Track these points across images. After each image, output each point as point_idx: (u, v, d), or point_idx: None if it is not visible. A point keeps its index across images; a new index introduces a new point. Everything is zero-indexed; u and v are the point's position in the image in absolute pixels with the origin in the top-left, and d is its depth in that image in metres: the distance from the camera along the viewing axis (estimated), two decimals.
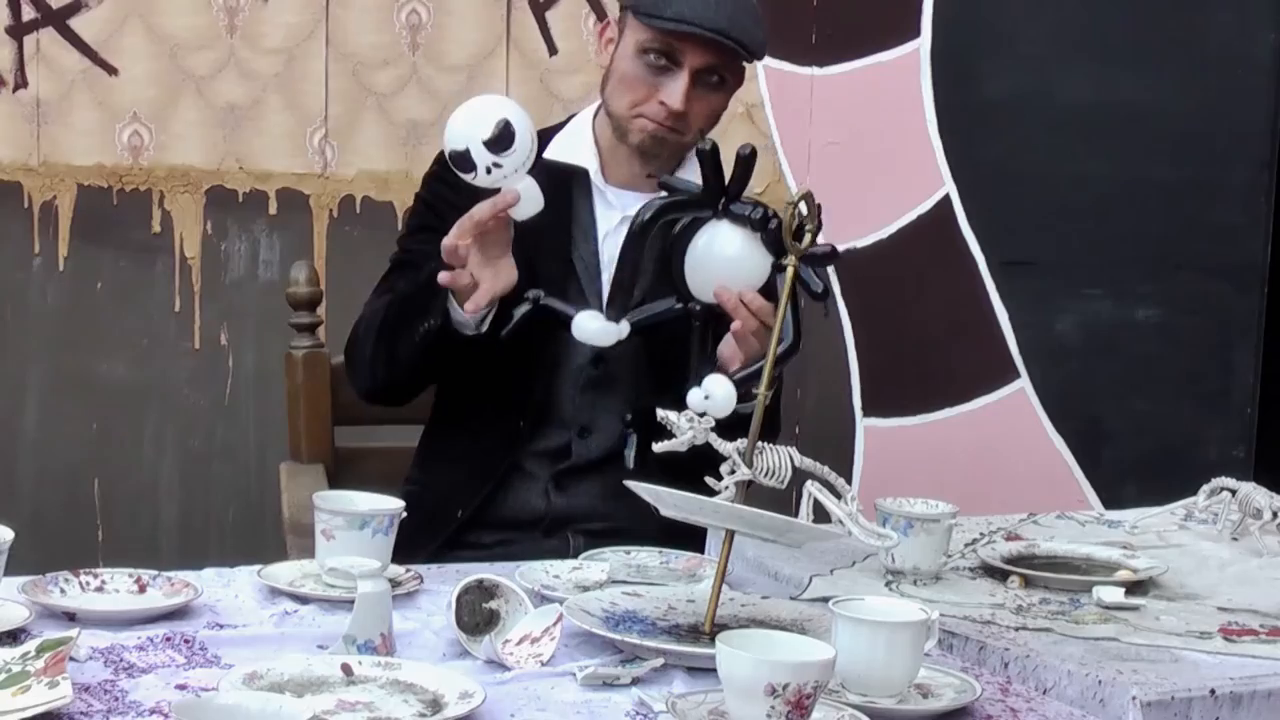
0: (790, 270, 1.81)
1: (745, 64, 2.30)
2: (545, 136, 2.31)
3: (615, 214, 2.33)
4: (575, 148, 2.35)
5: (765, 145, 3.53)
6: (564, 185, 2.31)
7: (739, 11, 2.23)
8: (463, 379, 2.33)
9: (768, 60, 3.49)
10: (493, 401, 2.32)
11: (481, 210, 2.04)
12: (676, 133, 2.27)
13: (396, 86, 3.38)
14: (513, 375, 2.27)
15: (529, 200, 2.04)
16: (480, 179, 2.02)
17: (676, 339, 2.11)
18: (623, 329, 2.06)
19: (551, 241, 2.28)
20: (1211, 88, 3.77)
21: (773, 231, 1.95)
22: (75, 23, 3.25)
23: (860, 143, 3.59)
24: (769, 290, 2.01)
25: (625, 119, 2.27)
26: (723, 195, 1.99)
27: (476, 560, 2.13)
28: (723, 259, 2.01)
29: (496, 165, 1.99)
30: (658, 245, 2.06)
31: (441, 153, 2.33)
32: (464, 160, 2.00)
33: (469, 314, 2.12)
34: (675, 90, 2.23)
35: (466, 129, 2.00)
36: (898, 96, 3.62)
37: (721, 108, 2.32)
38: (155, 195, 3.31)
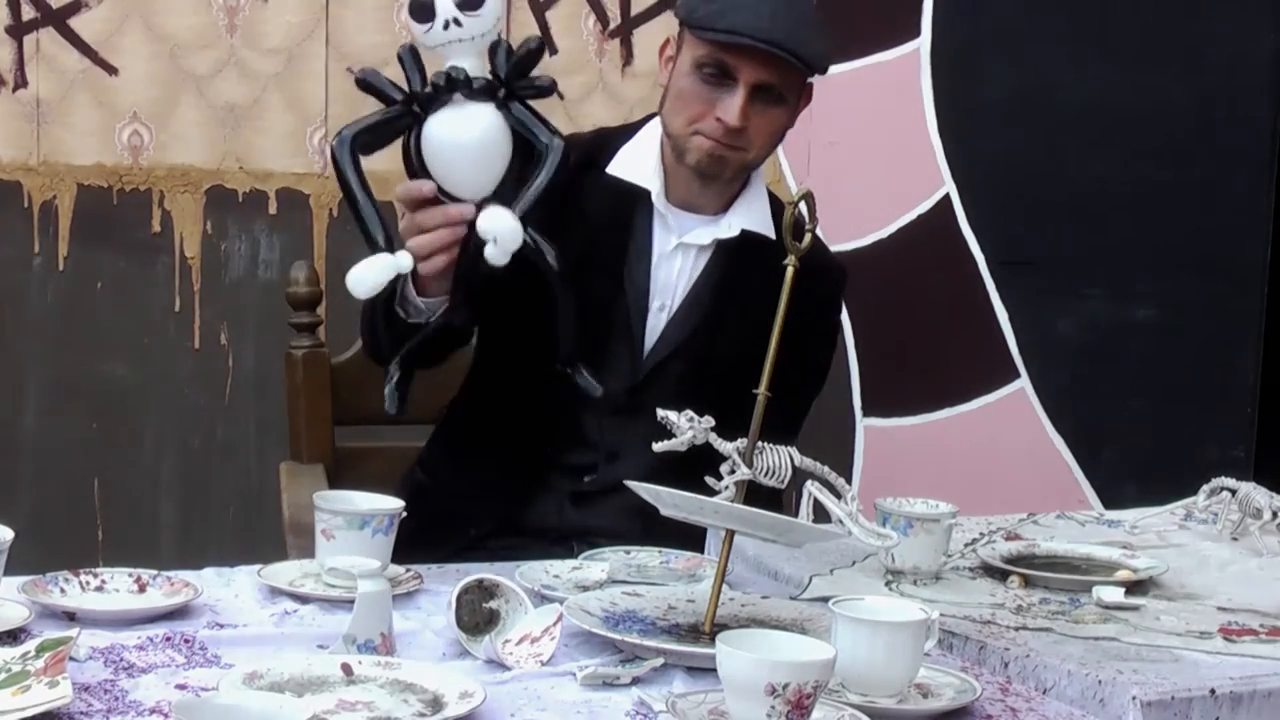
0: (790, 270, 1.80)
1: (811, 78, 2.24)
2: (612, 144, 2.28)
3: (672, 238, 2.27)
4: (641, 165, 2.27)
5: None
6: (625, 203, 2.26)
7: (797, 24, 2.16)
8: (493, 392, 2.32)
9: None
10: (521, 420, 2.28)
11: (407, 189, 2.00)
12: (736, 150, 2.20)
13: None
14: (543, 397, 2.22)
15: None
16: (434, 34, 1.88)
17: (710, 378, 2.13)
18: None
19: (605, 260, 2.24)
20: (1211, 88, 3.77)
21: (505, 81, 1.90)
22: (75, 22, 3.25)
23: (860, 142, 3.59)
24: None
25: (683, 137, 2.21)
26: (502, 85, 1.90)
27: (478, 561, 2.12)
28: (459, 147, 1.92)
29: (456, 22, 1.85)
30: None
31: None
32: (423, 10, 1.86)
33: (431, 295, 2.08)
34: (732, 106, 2.16)
35: None
36: (898, 96, 3.62)
37: (785, 125, 2.25)
38: (155, 195, 3.31)
